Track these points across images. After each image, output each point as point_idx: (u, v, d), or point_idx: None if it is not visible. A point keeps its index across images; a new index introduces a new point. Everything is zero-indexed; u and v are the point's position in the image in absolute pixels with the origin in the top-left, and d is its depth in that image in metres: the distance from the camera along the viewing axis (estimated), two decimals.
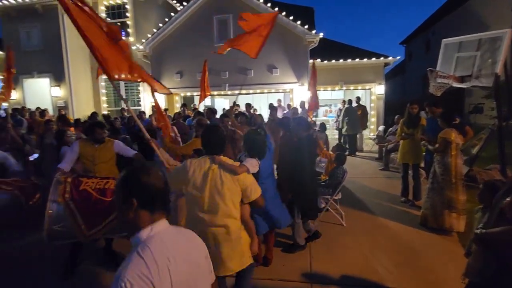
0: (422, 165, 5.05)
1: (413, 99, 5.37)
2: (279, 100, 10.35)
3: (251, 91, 10.57)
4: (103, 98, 12.12)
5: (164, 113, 4.72)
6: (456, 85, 5.28)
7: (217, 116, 6.11)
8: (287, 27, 9.70)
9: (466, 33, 5.39)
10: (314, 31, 9.62)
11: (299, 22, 9.61)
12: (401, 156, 4.85)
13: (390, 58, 10.68)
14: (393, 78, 20.00)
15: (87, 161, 3.28)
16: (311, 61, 10.65)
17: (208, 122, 4.90)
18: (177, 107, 10.73)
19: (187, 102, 11.27)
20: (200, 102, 5.88)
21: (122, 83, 11.62)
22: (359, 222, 4.16)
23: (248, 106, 8.54)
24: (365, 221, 4.23)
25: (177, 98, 11.42)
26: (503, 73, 4.77)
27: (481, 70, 4.85)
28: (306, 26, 9.61)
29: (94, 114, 7.70)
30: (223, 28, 10.25)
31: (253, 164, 2.11)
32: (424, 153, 4.93)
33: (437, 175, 3.75)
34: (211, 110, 6.15)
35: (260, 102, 13.30)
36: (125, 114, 8.60)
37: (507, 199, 1.75)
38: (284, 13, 9.57)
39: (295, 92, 10.08)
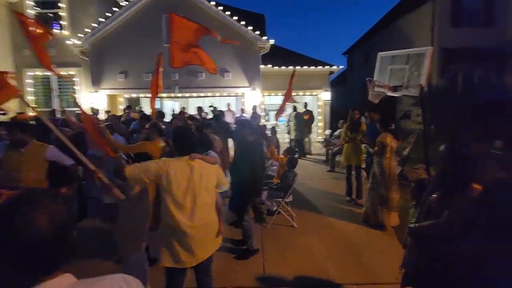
0: (364, 166, 5.51)
1: (355, 105, 5.84)
2: (228, 105, 10.31)
3: (202, 94, 10.36)
4: (30, 98, 10.66)
5: (95, 117, 4.20)
6: (390, 94, 5.88)
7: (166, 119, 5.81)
8: (239, 31, 9.77)
9: (397, 48, 6.07)
10: (265, 38, 9.86)
11: (250, 28, 9.76)
12: (345, 158, 5.22)
13: (335, 67, 11.50)
14: (337, 86, 21.56)
15: (11, 168, 2.81)
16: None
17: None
18: (121, 109, 9.97)
19: (132, 104, 10.54)
20: (152, 102, 5.37)
21: (55, 81, 10.39)
22: (309, 223, 4.33)
23: (200, 109, 8.34)
24: (314, 221, 4.42)
25: (121, 99, 10.61)
26: (426, 85, 5.45)
27: (410, 81, 5.48)
28: (257, 32, 9.81)
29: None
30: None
31: (215, 158, 2.47)
32: (365, 155, 5.39)
33: (376, 175, 4.11)
34: (159, 113, 5.83)
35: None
36: (58, 115, 7.68)
37: (433, 195, 1.93)
38: (236, 18, 9.63)
39: (247, 96, 10.18)
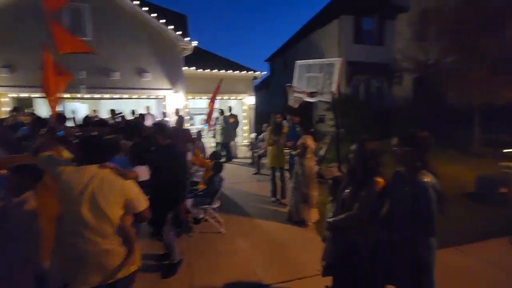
0: (287, 167, 5.78)
1: (277, 110, 6.09)
2: (148, 108, 9.57)
3: (116, 96, 9.29)
4: None
5: None
6: (307, 99, 6.37)
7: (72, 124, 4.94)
8: (158, 30, 9.18)
9: (313, 58, 6.64)
10: (188, 38, 9.51)
11: (171, 27, 9.26)
12: (269, 160, 5.39)
13: (258, 72, 11.93)
14: (261, 91, 22.50)
15: None
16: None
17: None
18: (6, 111, 8.08)
19: (22, 106, 8.63)
20: (51, 104, 4.40)
21: None
22: (237, 227, 4.28)
23: (113, 112, 7.44)
24: (242, 224, 4.39)
25: (5, 99, 8.54)
26: (337, 92, 6.10)
27: (324, 88, 6.04)
28: (179, 32, 9.38)
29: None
30: (76, 18, 8.54)
31: (143, 171, 1.94)
32: (287, 157, 5.66)
33: (298, 175, 4.34)
34: (58, 117, 4.91)
35: (128, 108, 11.93)
36: None
37: (346, 191, 2.13)
38: (155, 15, 9.00)
39: (169, 99, 9.60)
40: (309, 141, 4.32)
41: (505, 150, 8.19)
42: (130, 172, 1.95)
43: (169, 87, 9.54)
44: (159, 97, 9.86)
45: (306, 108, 12.67)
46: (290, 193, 4.50)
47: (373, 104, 13.13)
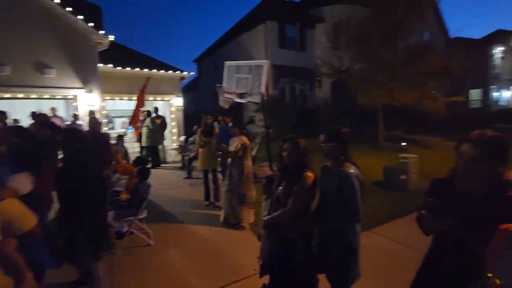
0: (219, 169, 5.67)
1: (207, 111, 5.92)
2: (53, 109, 8.17)
3: (8, 95, 7.62)
4: None
5: None
6: (237, 100, 6.40)
7: None
8: (66, 19, 7.92)
9: (242, 59, 6.71)
10: (102, 32, 8.47)
11: (81, 17, 8.10)
12: (201, 163, 5.20)
13: (186, 73, 11.47)
14: (190, 92, 21.78)
15: None
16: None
17: None
18: None
19: None
20: None
21: None
22: (168, 236, 3.97)
23: (2, 114, 6.07)
24: (174, 233, 4.10)
25: None
26: (265, 93, 6.30)
27: (253, 89, 6.16)
28: (91, 24, 8.28)
29: None
30: None
31: (23, 182, 1.51)
32: (219, 159, 5.56)
33: (233, 176, 4.27)
34: None
35: (26, 110, 9.97)
36: None
37: (279, 188, 2.17)
38: (58, 1, 7.73)
39: (81, 100, 8.37)
40: (247, 141, 4.32)
41: (402, 144, 9.83)
42: (4, 190, 1.57)
43: (80, 85, 8.31)
44: (68, 97, 8.51)
45: (236, 109, 12.82)
46: (224, 195, 4.39)
47: (298, 105, 14.12)
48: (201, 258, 3.41)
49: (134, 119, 8.11)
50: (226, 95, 6.46)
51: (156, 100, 11.19)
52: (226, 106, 6.36)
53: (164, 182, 6.83)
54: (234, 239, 3.92)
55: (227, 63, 6.75)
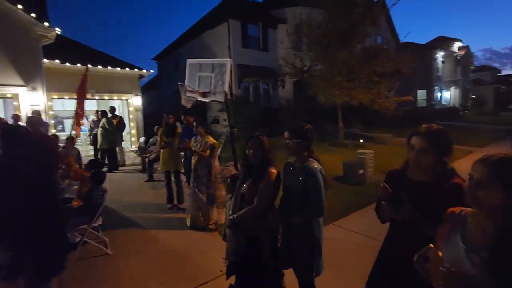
0: (182, 170, 5.49)
1: (169, 110, 5.70)
2: None
3: None
4: None
5: None
6: (201, 99, 6.23)
7: None
8: (2, 8, 7.07)
9: (204, 57, 6.54)
10: (47, 24, 7.71)
11: (20, 7, 7.27)
12: (163, 165, 4.98)
13: (145, 71, 10.93)
14: (150, 91, 20.84)
15: None
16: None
17: None
18: None
19: None
20: None
21: None
22: (128, 243, 3.73)
23: None
24: (134, 239, 3.87)
25: None
26: (229, 92, 6.23)
27: (216, 88, 6.05)
28: (33, 15, 7.48)
29: None
30: None
31: None
32: (182, 160, 5.38)
33: (200, 176, 4.13)
34: None
35: None
36: None
37: (244, 186, 2.16)
38: None
39: (23, 99, 7.51)
40: (214, 141, 4.23)
41: (360, 140, 10.42)
42: None
43: (21, 83, 7.46)
44: (7, 96, 7.61)
45: (200, 109, 12.54)
46: (190, 198, 4.21)
47: (262, 104, 14.25)
48: (164, 263, 3.26)
49: (78, 117, 7.47)
50: (189, 94, 6.26)
51: (113, 99, 10.53)
52: (189, 105, 6.16)
53: (123, 186, 6.44)
54: (200, 241, 3.81)
55: (189, 61, 6.55)
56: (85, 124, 9.46)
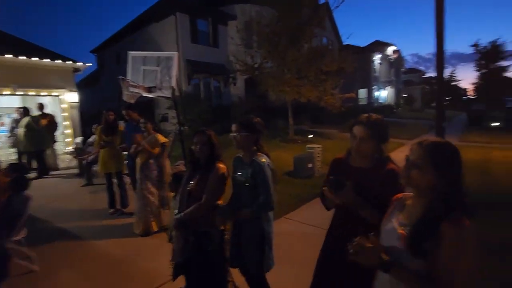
0: (126, 171, 5.05)
1: (110, 107, 5.16)
2: None
3: None
4: None
5: None
6: (145, 94, 5.81)
7: None
8: None
9: (150, 51, 6.10)
10: None
11: None
12: (103, 166, 4.51)
13: (80, 63, 9.81)
14: (89, 88, 18.95)
15: None
16: (11, 56, 7.12)
17: None
18: None
19: None
20: None
21: None
22: (60, 257, 3.29)
23: None
24: (68, 252, 3.42)
25: None
26: (177, 87, 5.92)
27: (163, 83, 5.69)
28: None
29: None
30: None
31: None
32: (126, 160, 4.95)
33: (149, 178, 3.81)
34: None
35: None
36: None
37: (191, 183, 2.06)
38: None
39: None
40: (164, 139, 3.95)
41: (309, 136, 10.88)
42: None
43: None
44: None
45: (148, 107, 11.78)
46: (140, 202, 3.81)
47: (213, 102, 13.98)
48: (105, 276, 2.94)
49: None
50: (132, 89, 5.79)
51: (40, 95, 9.25)
52: (132, 101, 5.69)
53: (55, 192, 5.70)
54: (148, 247, 3.52)
55: (131, 53, 6.03)
56: (6, 124, 8.14)
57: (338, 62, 9.12)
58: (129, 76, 5.92)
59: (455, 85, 38.09)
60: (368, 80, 25.37)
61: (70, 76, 9.79)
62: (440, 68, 4.32)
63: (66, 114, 9.58)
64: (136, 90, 5.76)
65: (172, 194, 4.00)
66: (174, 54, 5.60)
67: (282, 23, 9.04)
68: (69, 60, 9.57)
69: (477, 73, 24.47)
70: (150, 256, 3.27)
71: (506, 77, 17.27)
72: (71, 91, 9.62)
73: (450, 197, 1.01)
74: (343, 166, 1.62)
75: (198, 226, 2.00)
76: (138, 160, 3.92)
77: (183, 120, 6.47)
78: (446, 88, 38.07)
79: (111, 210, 4.56)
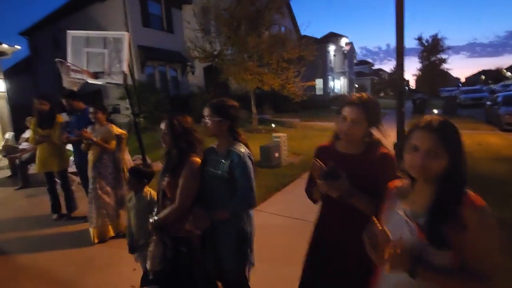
0: (73, 170, 4.38)
1: (41, 93, 4.31)
2: None
3: None
4: None
5: None
6: (91, 81, 5.06)
7: None
8: None
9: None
10: None
11: None
12: (41, 165, 3.80)
13: (6, 46, 8.35)
14: (21, 76, 16.52)
15: None
16: None
17: None
18: None
19: None
20: None
21: None
22: None
23: None
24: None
25: None
26: (129, 72, 5.27)
27: (112, 68, 5.01)
28: None
29: None
30: None
31: None
32: (72, 156, 4.28)
33: (104, 176, 3.28)
34: None
35: None
36: None
37: (164, 179, 1.76)
38: None
39: None
40: (120, 130, 3.41)
41: (272, 125, 10.80)
42: None
43: None
44: None
45: (95, 97, 10.58)
46: (95, 204, 3.25)
47: (170, 91, 13.14)
48: None
49: None
50: (74, 75, 4.99)
51: None
52: (75, 88, 4.92)
53: None
54: (102, 255, 3.04)
55: (71, 32, 5.18)
56: None
57: (299, 49, 9.07)
58: (69, 59, 5.11)
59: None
60: (324, 70, 26.20)
61: None
62: (400, 59, 4.44)
63: None
64: (79, 76, 4.99)
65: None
66: (124, 35, 4.93)
67: (241, 7, 8.65)
68: None
69: (419, 65, 27.10)
70: (107, 265, 2.82)
71: (442, 70, 19.12)
72: None
73: (462, 179, 0.95)
74: (330, 154, 1.44)
75: (176, 231, 1.71)
76: (90, 156, 3.34)
77: (137, 110, 5.82)
78: (391, 79, 41.34)
79: (55, 216, 3.90)
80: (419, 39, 17.54)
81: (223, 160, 1.69)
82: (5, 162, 6.37)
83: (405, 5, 4.40)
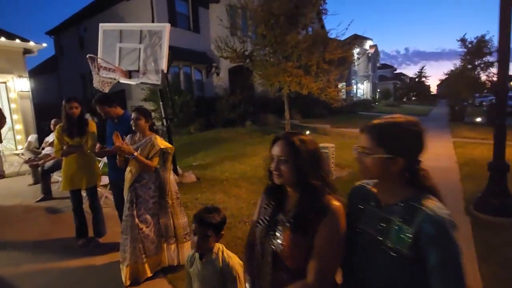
0: (103, 182, 3.71)
1: (70, 95, 3.61)
2: None
3: None
4: None
5: None
6: (124, 81, 4.46)
7: None
8: None
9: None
10: None
11: None
12: (67, 182, 3.12)
13: (32, 43, 7.98)
14: (46, 75, 16.47)
15: None
16: None
17: None
18: None
19: None
20: None
21: None
22: None
23: None
24: None
25: None
26: (168, 71, 4.63)
27: (147, 66, 4.38)
28: None
29: None
30: None
31: None
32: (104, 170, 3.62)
33: (144, 201, 2.57)
34: None
35: None
36: None
37: (277, 232, 1.17)
38: None
39: None
40: (166, 144, 2.69)
41: (307, 132, 9.96)
42: None
43: None
44: None
45: (116, 98, 10.09)
46: (127, 235, 2.54)
47: (195, 93, 12.57)
48: None
49: None
50: (106, 74, 4.39)
51: None
52: (106, 89, 4.31)
53: None
54: None
55: (104, 25, 4.61)
56: None
57: (342, 50, 8.22)
58: (101, 56, 4.52)
59: (423, 82, 39.41)
60: (349, 74, 25.16)
61: (20, 59, 7.95)
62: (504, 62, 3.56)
63: (14, 105, 7.75)
64: (111, 75, 4.38)
65: (183, 220, 2.81)
66: (165, 27, 4.32)
67: (280, 2, 7.90)
68: (17, 38, 7.71)
69: (446, 70, 25.32)
70: None
71: (475, 76, 17.76)
72: (20, 77, 7.80)
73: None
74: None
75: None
76: (127, 174, 2.63)
77: (170, 114, 5.17)
78: (414, 84, 39.48)
79: (80, 242, 3.23)
80: (463, 40, 16.21)
81: (398, 222, 0.93)
82: (26, 167, 5.85)
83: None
